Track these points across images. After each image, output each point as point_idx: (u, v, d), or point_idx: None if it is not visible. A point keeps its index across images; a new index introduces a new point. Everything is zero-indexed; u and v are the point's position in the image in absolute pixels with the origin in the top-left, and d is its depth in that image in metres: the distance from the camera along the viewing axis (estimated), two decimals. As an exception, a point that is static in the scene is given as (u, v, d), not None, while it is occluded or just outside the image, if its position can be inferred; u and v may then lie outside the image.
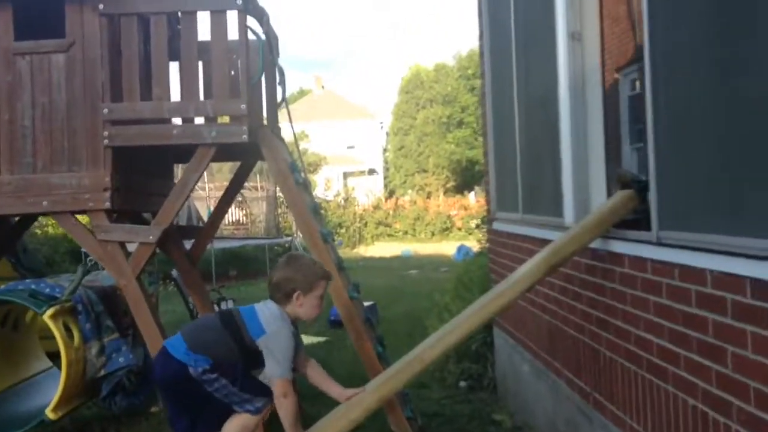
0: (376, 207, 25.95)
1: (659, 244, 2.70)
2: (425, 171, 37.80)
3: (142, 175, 5.12)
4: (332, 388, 3.29)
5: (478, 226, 10.46)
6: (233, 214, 21.24)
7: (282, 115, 5.24)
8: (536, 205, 4.44)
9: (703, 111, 2.41)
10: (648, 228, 2.99)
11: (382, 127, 50.99)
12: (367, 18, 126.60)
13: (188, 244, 5.52)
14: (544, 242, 4.20)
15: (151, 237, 4.33)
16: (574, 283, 3.79)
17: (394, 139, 44.19)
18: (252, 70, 4.48)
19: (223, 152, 4.64)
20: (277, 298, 3.19)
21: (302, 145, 40.54)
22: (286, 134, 5.35)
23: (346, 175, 41.35)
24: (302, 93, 56.33)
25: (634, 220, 3.19)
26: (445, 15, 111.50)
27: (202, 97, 4.62)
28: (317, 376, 3.34)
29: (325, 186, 29.15)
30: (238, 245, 16.34)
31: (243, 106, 4.33)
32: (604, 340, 3.39)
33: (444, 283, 11.45)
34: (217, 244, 13.83)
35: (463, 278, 7.96)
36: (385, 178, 46.59)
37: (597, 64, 3.64)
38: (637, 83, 7.59)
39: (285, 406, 3.07)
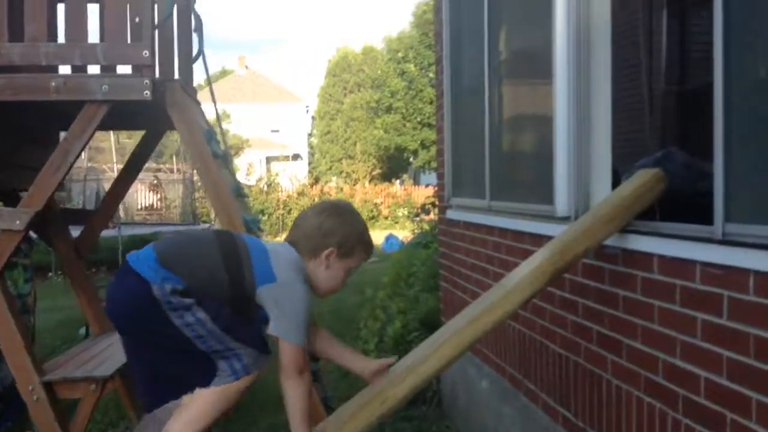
0: (301, 193, 24.84)
1: (724, 242, 1.94)
2: (352, 157, 36.81)
3: (18, 141, 4.07)
4: (355, 362, 2.41)
5: (417, 215, 9.65)
6: (146, 198, 19.79)
7: (199, 74, 4.26)
8: (512, 189, 3.66)
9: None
10: (678, 218, 2.25)
11: (308, 111, 49.73)
12: (295, 0, 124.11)
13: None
14: (521, 235, 3.46)
15: (18, 222, 3.30)
16: (564, 286, 3.03)
17: (320, 124, 43.00)
18: (159, 7, 3.50)
19: (120, 115, 3.63)
20: (301, 247, 2.31)
21: (224, 125, 38.92)
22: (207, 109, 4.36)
23: (269, 160, 40.04)
24: (224, 73, 54.23)
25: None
26: None
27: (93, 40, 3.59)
28: (330, 346, 2.45)
29: (247, 170, 27.81)
30: (150, 232, 15.03)
31: (146, 52, 3.35)
32: (609, 365, 2.64)
33: (374, 274, 10.66)
34: (126, 231, 12.54)
35: (402, 273, 7.17)
36: (310, 163, 45.40)
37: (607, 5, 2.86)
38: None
39: (295, 388, 2.14)
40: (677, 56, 5.02)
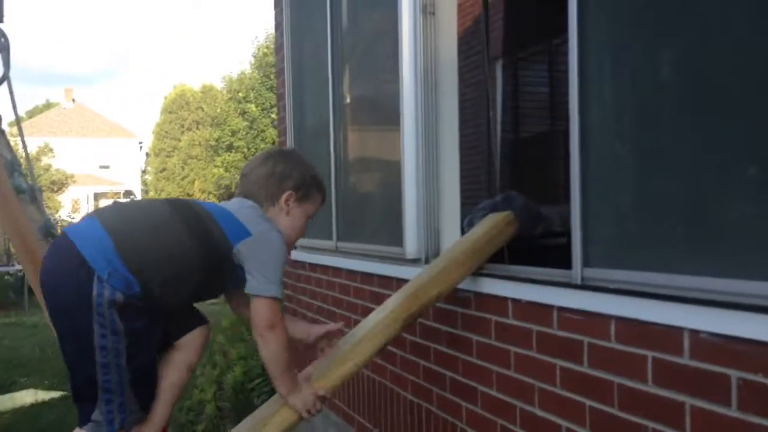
0: (133, 232, 23.45)
1: (583, 287, 1.89)
2: (189, 195, 35.52)
3: None
4: (297, 328, 2.35)
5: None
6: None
7: (24, 103, 3.76)
8: (360, 231, 3.52)
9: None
10: (533, 262, 2.21)
11: (141, 148, 47.55)
12: (131, 36, 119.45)
13: None
14: (370, 277, 3.31)
15: None
16: (415, 331, 2.90)
17: (155, 161, 41.19)
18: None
19: None
20: (257, 198, 2.16)
21: (46, 161, 36.26)
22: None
23: (98, 196, 37.71)
24: (49, 105, 50.63)
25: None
26: (213, 37, 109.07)
27: None
28: None
29: (72, 207, 25.84)
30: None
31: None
32: (464, 413, 2.53)
33: (213, 316, 10.10)
34: None
35: (243, 316, 6.79)
36: (143, 201, 43.18)
37: (453, 46, 2.83)
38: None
39: (273, 342, 1.98)
40: (521, 103, 5.20)
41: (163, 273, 1.94)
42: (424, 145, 2.83)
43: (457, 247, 2.40)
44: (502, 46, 5.83)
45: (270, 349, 2.00)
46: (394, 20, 2.90)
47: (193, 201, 2.22)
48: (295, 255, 4.57)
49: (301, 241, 4.45)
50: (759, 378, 1.39)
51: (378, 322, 2.18)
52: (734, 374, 1.45)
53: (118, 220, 2.01)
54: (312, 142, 4.33)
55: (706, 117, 1.58)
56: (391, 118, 2.98)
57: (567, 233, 1.94)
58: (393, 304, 2.23)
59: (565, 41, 1.95)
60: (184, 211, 2.07)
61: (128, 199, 36.68)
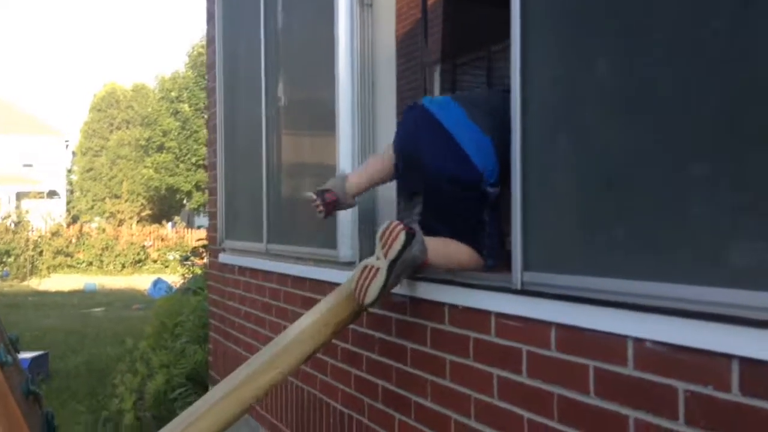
0: (55, 233, 22.42)
1: (523, 291, 1.80)
2: (117, 196, 34.31)
3: None
4: None
5: (187, 258, 8.97)
6: None
7: None
8: (293, 233, 3.36)
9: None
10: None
11: (67, 146, 45.83)
12: (59, 32, 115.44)
13: None
14: (302, 281, 3.17)
15: None
16: (347, 338, 2.77)
17: (82, 160, 39.68)
18: None
19: None
20: None
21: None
22: None
23: (20, 196, 36.06)
24: (-31, 99, 48.27)
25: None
26: (145, 35, 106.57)
27: None
28: None
29: (-10, 207, 24.63)
30: None
31: None
32: (397, 425, 2.41)
33: (138, 323, 9.72)
34: None
35: (168, 322, 6.51)
36: (68, 202, 41.59)
37: (392, 42, 2.72)
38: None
39: None
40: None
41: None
42: (360, 145, 2.72)
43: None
44: (441, 50, 5.79)
45: None
46: (329, 11, 2.78)
47: None
48: (223, 258, 4.38)
49: (230, 243, 4.27)
50: (708, 390, 1.32)
51: (307, 327, 2.04)
52: (681, 386, 1.38)
53: (475, 105, 2.21)
54: (243, 140, 4.16)
55: (645, 120, 1.52)
56: (326, 117, 2.85)
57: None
58: (324, 309, 2.09)
59: (504, 48, 1.88)
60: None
61: (52, 200, 35.26)
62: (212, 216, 4.75)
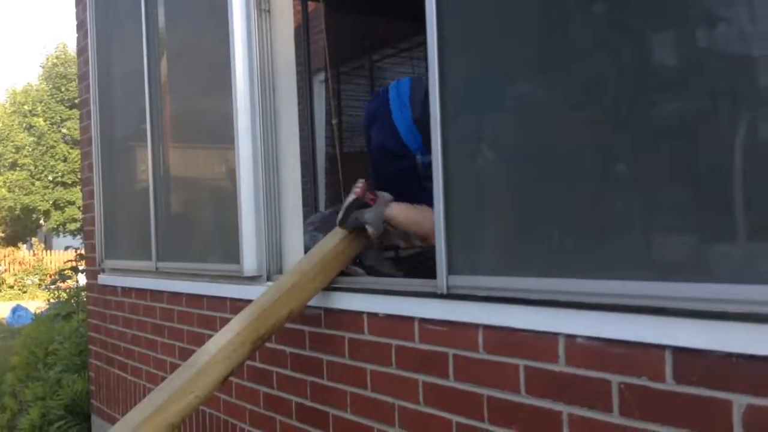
0: None
1: (449, 296, 1.79)
2: (-35, 218, 31.58)
3: None
4: None
5: (54, 282, 8.34)
6: None
7: None
8: (186, 249, 3.21)
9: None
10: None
11: None
12: None
13: None
14: (198, 299, 3.03)
15: None
16: (253, 356, 2.66)
17: None
18: None
19: None
20: None
21: None
22: None
23: None
24: None
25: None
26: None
27: None
28: None
29: None
30: None
31: None
32: (313, 441, 2.34)
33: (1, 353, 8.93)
34: None
35: (38, 351, 6.03)
36: None
37: (291, 48, 2.66)
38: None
39: None
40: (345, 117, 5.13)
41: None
42: (263, 153, 2.62)
43: (305, 261, 2.22)
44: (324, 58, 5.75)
45: None
46: (223, 17, 2.68)
47: None
48: (104, 279, 4.12)
49: (111, 263, 4.02)
50: (642, 381, 1.37)
51: (222, 347, 1.93)
52: (615, 378, 1.42)
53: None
54: (124, 154, 3.93)
55: (566, 120, 1.56)
56: (222, 126, 2.74)
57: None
58: (239, 326, 1.99)
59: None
60: None
61: None
62: (88, 235, 4.45)
